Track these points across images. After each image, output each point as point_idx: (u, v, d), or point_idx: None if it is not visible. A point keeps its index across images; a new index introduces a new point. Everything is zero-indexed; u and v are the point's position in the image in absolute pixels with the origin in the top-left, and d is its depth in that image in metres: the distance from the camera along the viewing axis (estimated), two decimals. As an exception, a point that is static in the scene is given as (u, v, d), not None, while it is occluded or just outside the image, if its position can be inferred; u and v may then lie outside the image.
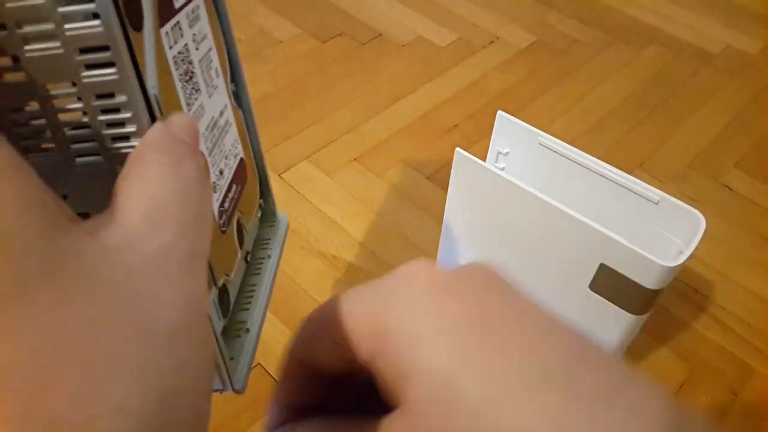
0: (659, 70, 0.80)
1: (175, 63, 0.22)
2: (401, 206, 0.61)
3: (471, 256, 0.48)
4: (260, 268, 0.30)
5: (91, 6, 0.16)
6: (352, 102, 0.73)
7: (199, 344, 0.14)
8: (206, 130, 0.25)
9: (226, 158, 0.27)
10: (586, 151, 0.44)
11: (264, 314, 0.28)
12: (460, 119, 0.72)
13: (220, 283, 0.26)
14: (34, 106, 0.18)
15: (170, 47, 0.21)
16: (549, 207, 0.39)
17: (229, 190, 0.27)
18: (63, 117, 0.18)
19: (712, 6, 0.90)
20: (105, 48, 0.16)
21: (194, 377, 0.14)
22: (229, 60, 0.28)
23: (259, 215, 0.32)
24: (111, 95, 0.18)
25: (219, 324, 0.24)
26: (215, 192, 0.25)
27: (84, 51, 0.17)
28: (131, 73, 0.17)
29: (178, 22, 0.22)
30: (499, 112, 0.47)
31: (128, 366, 0.13)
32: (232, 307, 0.27)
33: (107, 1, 0.16)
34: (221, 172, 0.26)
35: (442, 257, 0.51)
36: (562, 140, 0.45)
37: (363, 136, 0.69)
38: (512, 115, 0.47)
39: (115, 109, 0.18)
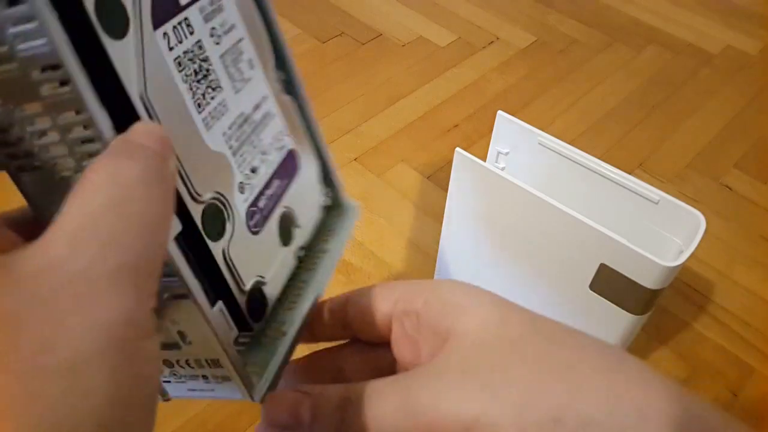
0: (659, 70, 0.80)
1: (179, 64, 0.21)
2: (401, 206, 0.61)
3: (471, 257, 0.48)
4: (316, 263, 0.29)
5: (33, 25, 0.16)
6: (352, 102, 0.73)
7: (111, 372, 0.13)
8: (230, 128, 0.24)
9: (263, 154, 0.26)
10: (586, 151, 0.44)
11: (309, 314, 0.27)
12: (460, 119, 0.72)
13: (247, 286, 0.25)
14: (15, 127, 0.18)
15: (171, 48, 0.21)
16: (549, 207, 0.39)
17: (266, 187, 0.26)
18: (46, 137, 0.18)
19: (711, 6, 0.90)
20: (57, 66, 0.16)
21: (105, 405, 0.13)
22: (274, 47, 0.27)
23: (322, 205, 0.30)
24: (77, 112, 0.17)
25: (231, 334, 0.23)
26: (243, 192, 0.25)
27: (45, 69, 0.16)
28: (86, 90, 0.17)
29: (186, 18, 0.22)
30: (499, 112, 0.47)
31: (16, 403, 0.12)
32: (270, 309, 0.26)
33: (51, 21, 0.16)
34: (254, 170, 0.25)
35: (442, 257, 0.51)
36: (562, 140, 0.45)
37: (363, 136, 0.69)
38: (512, 115, 0.47)
39: (83, 126, 0.18)
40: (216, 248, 0.23)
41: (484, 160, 0.44)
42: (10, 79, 0.16)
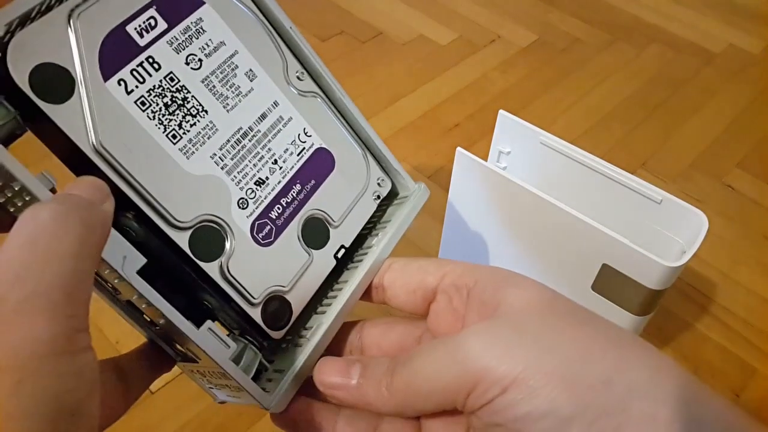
0: (661, 69, 0.80)
1: (142, 104, 0.22)
2: (402, 206, 0.61)
3: (472, 257, 0.48)
4: (362, 260, 0.28)
5: None
6: (353, 101, 0.73)
7: (19, 384, 0.15)
8: (222, 148, 0.24)
9: (274, 163, 0.26)
10: (588, 150, 0.44)
11: (341, 316, 0.27)
12: (461, 118, 0.72)
13: (259, 298, 0.25)
14: None
15: (130, 92, 0.22)
16: (550, 206, 0.39)
17: (282, 195, 0.26)
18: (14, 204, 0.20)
19: (714, 5, 0.90)
20: None
21: (7, 416, 0.15)
22: (289, 47, 0.27)
23: (377, 197, 0.30)
24: (12, 180, 0.19)
25: (225, 351, 0.23)
26: (245, 207, 0.25)
27: None
28: (11, 164, 0.18)
29: (150, 57, 0.23)
30: (501, 111, 0.47)
31: None
32: (296, 315, 0.27)
33: None
34: (259, 183, 0.26)
35: (442, 257, 0.51)
36: (564, 139, 0.45)
37: (363, 135, 0.69)
38: (513, 114, 0.47)
39: (25, 193, 0.19)
40: (211, 268, 0.24)
41: (486, 160, 0.43)
42: None
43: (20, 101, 0.20)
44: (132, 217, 0.22)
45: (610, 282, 0.40)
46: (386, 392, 0.23)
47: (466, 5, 0.89)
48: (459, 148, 0.42)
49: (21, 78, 0.19)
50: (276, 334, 0.26)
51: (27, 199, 0.20)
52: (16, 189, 0.19)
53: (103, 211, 0.18)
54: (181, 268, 0.24)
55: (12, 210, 0.20)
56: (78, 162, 0.21)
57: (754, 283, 0.57)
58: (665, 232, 0.43)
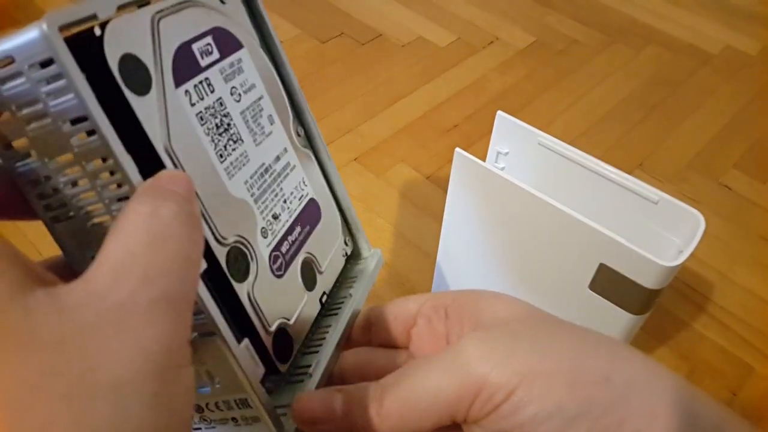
0: (658, 70, 0.80)
1: (201, 118, 0.23)
2: (401, 206, 0.61)
3: (471, 256, 0.48)
4: (339, 308, 0.30)
5: (62, 83, 0.17)
6: (352, 102, 0.73)
7: (152, 397, 0.14)
8: (252, 177, 0.26)
9: (284, 202, 0.27)
10: (585, 151, 0.44)
11: (334, 357, 0.28)
12: (459, 119, 0.72)
13: (272, 327, 0.26)
14: (50, 179, 0.19)
15: (193, 104, 0.23)
16: (548, 207, 0.39)
17: (289, 232, 0.28)
18: (77, 186, 0.20)
19: (711, 6, 0.90)
20: (84, 118, 0.18)
21: (144, 429, 0.14)
22: (292, 105, 0.29)
23: (344, 254, 0.32)
24: (104, 159, 0.19)
25: (257, 371, 0.24)
26: (266, 237, 0.26)
27: (74, 122, 0.18)
28: (111, 136, 0.18)
29: (207, 78, 0.24)
30: (499, 112, 0.47)
31: (59, 425, 0.13)
32: (295, 351, 0.27)
33: (77, 78, 0.17)
34: (275, 217, 0.27)
35: (441, 257, 0.51)
36: (562, 140, 0.45)
37: (363, 136, 0.69)
38: (512, 115, 0.47)
39: (110, 172, 0.19)
40: (241, 289, 0.25)
41: (484, 160, 0.44)
42: (44, 134, 0.18)
43: (105, 85, 0.19)
44: None
45: (607, 281, 0.40)
46: (377, 417, 0.22)
47: (465, 7, 0.89)
48: (457, 149, 0.42)
49: (114, 60, 0.20)
50: (282, 367, 0.27)
51: (111, 185, 0.19)
52: (92, 170, 0.19)
53: (199, 212, 0.18)
54: (216, 284, 0.24)
55: (46, 201, 0.20)
56: (146, 159, 0.21)
57: (751, 282, 0.57)
58: (662, 232, 0.43)
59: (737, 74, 0.80)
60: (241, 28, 0.26)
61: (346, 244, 0.32)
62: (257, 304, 0.25)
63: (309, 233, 0.29)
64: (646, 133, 0.72)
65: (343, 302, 0.30)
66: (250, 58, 0.26)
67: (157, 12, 0.22)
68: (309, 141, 0.30)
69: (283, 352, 0.27)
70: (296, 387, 0.27)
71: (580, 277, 0.41)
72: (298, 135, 0.29)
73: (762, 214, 0.63)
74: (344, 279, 0.32)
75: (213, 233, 0.23)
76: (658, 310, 0.53)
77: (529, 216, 0.41)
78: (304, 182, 0.29)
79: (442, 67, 0.79)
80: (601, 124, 0.73)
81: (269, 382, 0.27)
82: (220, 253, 0.24)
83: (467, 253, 0.49)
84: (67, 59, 0.17)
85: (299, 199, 0.28)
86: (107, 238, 0.16)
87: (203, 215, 0.23)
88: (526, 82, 0.78)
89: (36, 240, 0.57)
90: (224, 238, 0.24)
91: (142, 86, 0.21)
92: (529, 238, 0.43)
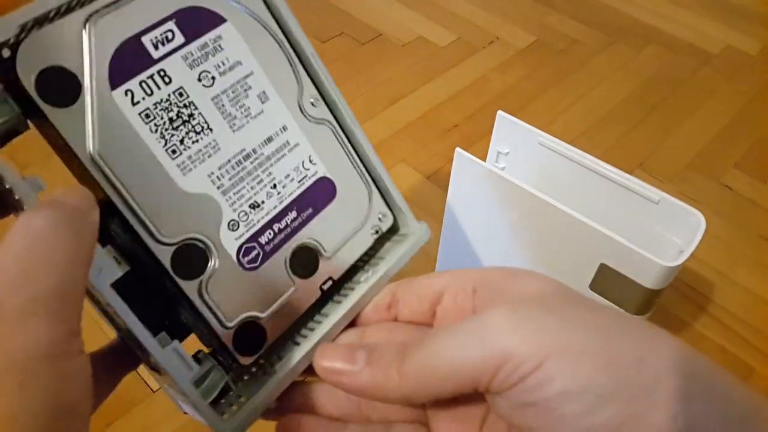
0: (659, 70, 0.80)
1: (147, 116, 0.22)
2: (401, 206, 0.61)
3: (471, 257, 0.48)
4: (347, 296, 0.28)
5: None
6: (352, 102, 0.73)
7: (22, 386, 0.16)
8: (221, 168, 0.24)
9: (273, 187, 0.26)
10: (585, 151, 0.44)
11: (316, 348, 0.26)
12: (460, 119, 0.72)
13: (233, 322, 0.25)
14: None
15: (136, 103, 0.22)
16: (549, 207, 0.39)
17: (276, 220, 0.26)
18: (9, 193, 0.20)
19: (711, 6, 0.90)
20: None
21: (13, 415, 0.15)
22: (308, 72, 0.27)
23: (375, 231, 0.29)
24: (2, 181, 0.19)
25: (187, 374, 0.23)
26: (235, 229, 0.25)
27: None
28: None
29: (161, 70, 0.23)
30: (499, 112, 0.47)
31: None
32: (271, 342, 0.26)
33: None
34: (254, 206, 0.25)
35: (442, 257, 0.51)
36: (562, 140, 0.45)
37: (363, 136, 0.69)
38: (512, 115, 0.47)
39: (14, 192, 0.20)
40: (189, 286, 0.24)
41: (484, 160, 0.44)
42: None
43: (25, 100, 0.20)
44: (118, 223, 0.23)
45: (608, 282, 0.40)
46: (396, 376, 0.22)
47: (465, 7, 0.89)
48: (458, 149, 0.42)
49: (27, 79, 0.19)
50: (244, 360, 0.25)
51: (17, 198, 0.20)
52: (7, 187, 0.20)
53: (91, 220, 0.19)
54: (160, 280, 0.24)
55: (8, 200, 0.21)
56: (74, 166, 0.22)
57: (752, 282, 0.57)
58: (663, 232, 0.43)
59: (738, 74, 0.80)
60: None
61: (380, 219, 0.29)
62: (212, 300, 0.24)
63: (312, 216, 0.27)
64: (646, 133, 0.72)
65: (354, 289, 0.28)
66: (236, 32, 0.24)
67: (93, 13, 0.21)
68: (329, 109, 0.28)
69: (249, 346, 0.25)
70: (258, 381, 0.25)
71: (580, 277, 0.41)
72: (313, 105, 0.27)
73: (763, 214, 0.63)
74: (369, 258, 0.29)
75: (152, 235, 0.23)
76: (658, 311, 0.53)
77: (529, 216, 0.41)
78: (310, 160, 0.27)
79: (443, 66, 0.79)
80: (602, 124, 0.73)
81: (236, 371, 0.26)
82: (164, 253, 0.23)
83: (467, 253, 0.49)
84: None
85: (299, 181, 0.27)
86: None
87: (139, 217, 0.22)
88: (526, 81, 0.78)
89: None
90: (167, 237, 0.23)
91: (68, 97, 0.20)
92: (530, 238, 0.43)
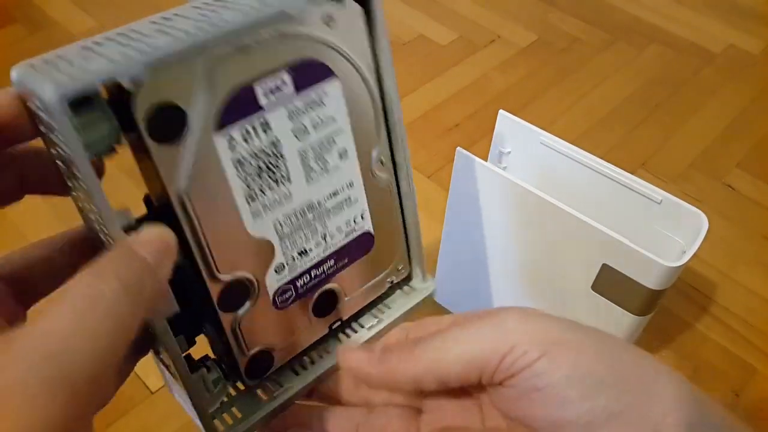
0: (661, 69, 0.80)
1: (239, 162, 0.22)
2: (402, 206, 0.61)
3: (472, 257, 0.48)
4: (350, 336, 0.29)
5: (57, 136, 0.18)
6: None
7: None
8: (287, 216, 0.24)
9: (323, 238, 0.26)
10: (587, 151, 0.44)
11: (312, 382, 0.28)
12: (461, 118, 0.72)
13: (251, 351, 0.26)
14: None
15: (233, 149, 0.22)
16: (550, 207, 0.39)
17: (315, 267, 0.27)
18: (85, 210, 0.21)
19: (714, 5, 0.90)
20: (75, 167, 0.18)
21: None
22: (388, 133, 0.27)
23: (391, 281, 0.30)
24: (92, 205, 0.19)
25: (205, 396, 0.25)
26: (280, 272, 0.25)
27: (70, 168, 0.19)
28: (93, 189, 0.18)
29: (264, 120, 0.22)
30: (501, 111, 0.47)
31: None
32: (275, 368, 0.27)
33: (67, 130, 0.17)
34: (303, 253, 0.26)
35: (442, 257, 0.51)
36: (564, 139, 0.45)
37: (363, 135, 0.69)
38: (513, 114, 0.47)
39: (97, 221, 0.20)
40: (226, 319, 0.25)
41: (486, 160, 0.43)
42: (60, 166, 0.20)
43: (129, 125, 0.20)
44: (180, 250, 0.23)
45: (610, 282, 0.40)
46: (411, 357, 0.23)
47: (467, 5, 0.89)
48: (459, 148, 0.42)
49: (140, 112, 0.19)
50: (250, 382, 0.27)
51: (100, 227, 0.20)
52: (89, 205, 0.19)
53: (161, 278, 0.18)
54: (199, 300, 0.24)
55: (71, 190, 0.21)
56: (155, 194, 0.22)
57: (754, 283, 0.57)
58: (665, 232, 0.43)
59: (740, 73, 0.79)
60: (342, 54, 0.24)
61: (398, 269, 0.30)
62: (240, 333, 0.25)
63: (346, 265, 0.28)
64: (648, 133, 0.71)
65: (357, 331, 0.29)
66: (341, 90, 0.24)
67: (214, 58, 0.20)
68: (394, 169, 0.28)
69: (257, 371, 0.27)
70: (257, 402, 0.27)
71: (582, 278, 0.41)
72: (381, 164, 0.27)
73: (766, 214, 0.63)
74: (379, 304, 0.31)
75: (209, 269, 0.23)
76: (660, 311, 0.53)
77: (531, 216, 0.41)
78: (362, 216, 0.27)
79: (444, 65, 0.79)
80: (604, 123, 0.72)
81: (235, 388, 0.27)
82: (213, 288, 0.24)
83: (469, 253, 0.48)
84: (61, 122, 0.17)
85: (346, 234, 0.27)
86: (46, 304, 0.16)
87: (203, 253, 0.23)
88: (527, 80, 0.77)
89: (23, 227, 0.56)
90: (221, 274, 0.23)
91: (173, 134, 0.20)
92: (532, 238, 0.43)
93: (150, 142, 0.20)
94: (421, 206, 0.29)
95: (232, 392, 0.27)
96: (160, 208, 0.22)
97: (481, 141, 0.68)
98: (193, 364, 0.26)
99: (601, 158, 0.44)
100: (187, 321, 0.24)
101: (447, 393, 0.25)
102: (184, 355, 0.24)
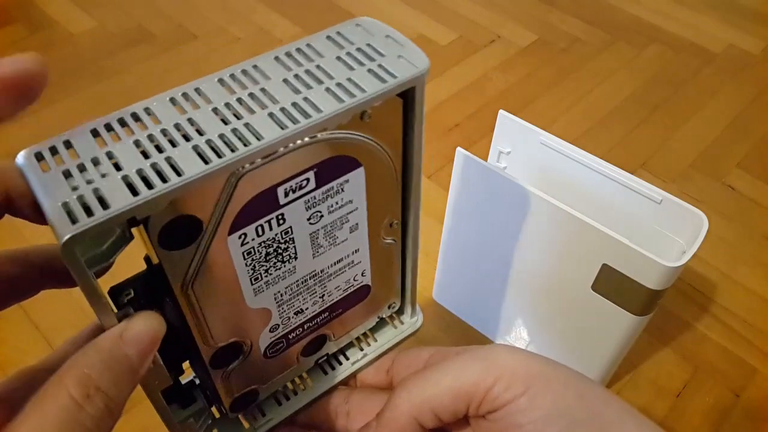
0: (661, 69, 0.80)
1: (248, 253, 0.21)
2: (402, 206, 0.61)
3: (472, 257, 0.48)
4: (333, 369, 0.30)
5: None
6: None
7: None
8: (288, 287, 0.24)
9: (321, 297, 0.26)
10: (588, 151, 0.44)
11: (294, 414, 0.28)
12: (461, 118, 0.72)
13: (239, 393, 0.26)
14: None
15: (245, 243, 0.21)
16: (550, 206, 0.39)
17: (309, 321, 0.26)
18: None
19: (714, 5, 0.90)
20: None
21: None
22: (404, 198, 0.26)
23: (378, 317, 0.30)
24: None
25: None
26: (275, 331, 0.25)
27: None
28: (92, 298, 0.18)
29: (281, 215, 0.21)
30: (501, 111, 0.47)
31: None
32: (258, 401, 0.28)
33: (67, 255, 0.16)
34: (298, 312, 0.26)
35: (442, 257, 0.51)
36: (564, 139, 0.45)
37: (363, 135, 0.69)
38: (513, 114, 0.46)
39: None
40: (215, 373, 0.25)
41: (486, 160, 0.43)
42: None
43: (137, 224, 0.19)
44: (172, 311, 0.22)
45: (610, 282, 0.40)
46: (404, 393, 0.24)
47: (467, 5, 0.89)
48: (459, 148, 0.42)
49: (155, 228, 0.18)
50: (232, 415, 0.27)
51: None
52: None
53: (140, 376, 0.18)
54: (189, 356, 0.25)
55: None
56: (160, 283, 0.21)
57: (754, 283, 0.57)
58: (665, 232, 0.43)
59: (740, 73, 0.79)
60: (372, 143, 0.22)
61: (389, 307, 0.30)
62: (230, 382, 0.25)
63: (340, 314, 0.28)
64: (648, 133, 0.71)
65: (342, 364, 0.30)
66: (363, 176, 0.23)
67: (241, 168, 0.19)
68: (402, 229, 0.27)
69: (242, 406, 0.27)
70: (236, 429, 0.27)
71: (582, 278, 0.41)
72: (390, 227, 0.26)
73: (766, 214, 0.63)
74: (366, 337, 0.31)
75: (203, 338, 0.23)
76: (660, 311, 0.53)
77: (531, 216, 0.41)
78: (362, 273, 0.27)
79: (443, 65, 0.79)
80: (604, 123, 0.72)
81: (219, 410, 0.27)
82: (206, 351, 0.23)
83: (469, 253, 0.48)
84: (66, 254, 0.16)
85: (344, 291, 0.27)
86: (28, 405, 0.16)
87: (200, 325, 0.22)
88: (527, 80, 0.77)
89: (33, 239, 0.56)
90: (215, 342, 0.23)
91: (186, 241, 0.19)
92: (531, 238, 0.43)
93: (162, 253, 0.19)
94: (422, 206, 0.28)
95: (216, 414, 0.27)
96: (159, 267, 0.21)
97: (481, 141, 0.68)
98: (181, 399, 0.26)
99: (602, 158, 0.44)
100: (174, 360, 0.24)
101: None
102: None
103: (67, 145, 0.17)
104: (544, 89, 0.76)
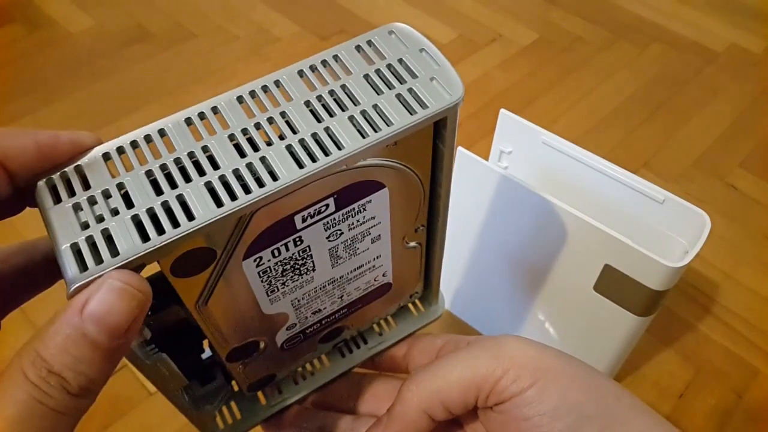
0: (663, 68, 0.80)
1: (264, 273, 0.21)
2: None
3: (473, 257, 0.48)
4: (351, 352, 0.29)
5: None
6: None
7: None
8: (305, 294, 0.24)
9: (340, 298, 0.25)
10: (589, 150, 0.44)
11: (311, 392, 0.28)
12: (461, 117, 0.72)
13: (254, 379, 0.26)
14: None
15: (260, 265, 0.20)
16: (552, 206, 0.39)
17: (326, 317, 0.26)
18: None
19: (716, 4, 0.89)
20: None
21: None
22: (431, 206, 0.24)
23: (399, 305, 0.30)
24: None
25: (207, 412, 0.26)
26: (292, 329, 0.25)
27: None
28: None
29: (298, 237, 0.20)
30: (502, 110, 0.47)
31: None
32: (274, 382, 0.28)
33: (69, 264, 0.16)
34: (315, 312, 0.25)
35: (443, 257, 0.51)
36: (566, 139, 0.45)
37: (364, 134, 0.68)
38: (515, 113, 0.46)
39: None
40: (234, 367, 0.25)
41: (487, 159, 0.43)
42: None
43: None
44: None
45: (612, 282, 0.39)
46: (414, 386, 0.23)
47: (468, 4, 0.89)
48: (460, 148, 0.42)
49: (166, 262, 0.18)
50: (249, 394, 0.27)
51: None
52: None
53: (125, 346, 0.17)
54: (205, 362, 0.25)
55: None
56: (172, 290, 0.20)
57: (757, 283, 0.57)
58: (667, 232, 0.43)
59: (743, 73, 0.79)
60: (400, 165, 0.21)
61: (410, 297, 0.30)
62: (246, 374, 0.25)
63: (359, 309, 0.27)
64: (651, 132, 0.71)
65: (360, 347, 0.29)
66: (387, 196, 0.22)
67: (257, 208, 0.18)
68: (428, 232, 0.26)
69: (258, 387, 0.27)
70: (253, 406, 0.27)
71: (584, 278, 0.41)
72: (416, 232, 0.25)
73: (768, 214, 0.63)
74: (387, 323, 0.30)
75: (218, 340, 0.23)
76: (663, 312, 0.53)
77: (532, 216, 0.41)
78: (384, 274, 0.26)
79: (445, 64, 0.79)
80: (606, 123, 0.72)
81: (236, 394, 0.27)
82: (222, 350, 0.23)
83: (470, 253, 0.48)
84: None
85: (364, 290, 0.26)
86: None
87: (214, 334, 0.22)
88: (529, 79, 0.77)
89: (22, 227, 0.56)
90: (229, 343, 0.23)
91: (199, 268, 0.19)
92: (533, 238, 0.42)
93: (171, 277, 0.18)
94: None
95: (235, 387, 0.28)
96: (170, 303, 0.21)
97: (482, 140, 0.68)
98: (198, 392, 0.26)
99: (603, 158, 0.43)
100: (191, 346, 0.24)
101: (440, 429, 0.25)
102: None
103: (79, 172, 0.17)
104: (546, 88, 0.76)
